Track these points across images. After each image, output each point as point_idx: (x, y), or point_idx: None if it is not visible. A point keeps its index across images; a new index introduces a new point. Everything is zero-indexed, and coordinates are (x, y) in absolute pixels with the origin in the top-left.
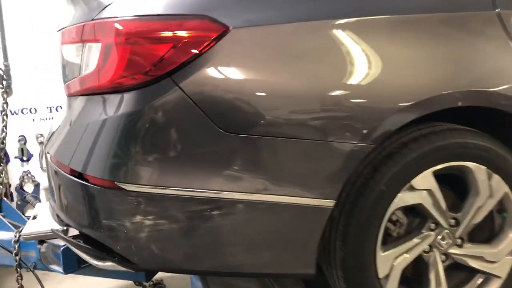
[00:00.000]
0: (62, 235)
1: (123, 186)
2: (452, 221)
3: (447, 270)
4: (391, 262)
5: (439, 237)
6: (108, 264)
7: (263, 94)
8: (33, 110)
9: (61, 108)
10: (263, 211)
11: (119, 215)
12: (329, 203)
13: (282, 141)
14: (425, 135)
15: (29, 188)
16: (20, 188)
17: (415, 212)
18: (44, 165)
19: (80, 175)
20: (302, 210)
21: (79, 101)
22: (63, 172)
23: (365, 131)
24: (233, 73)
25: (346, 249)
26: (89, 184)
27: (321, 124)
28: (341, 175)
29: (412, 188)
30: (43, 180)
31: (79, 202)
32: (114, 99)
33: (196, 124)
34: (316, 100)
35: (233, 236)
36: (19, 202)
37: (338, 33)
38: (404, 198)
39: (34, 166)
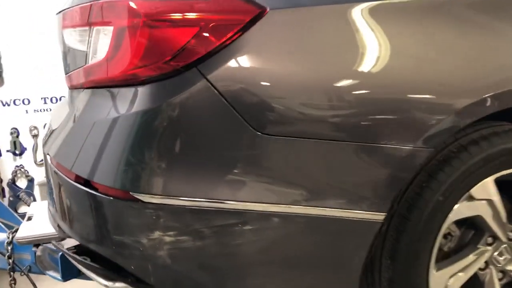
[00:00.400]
0: (66, 250)
1: (140, 197)
2: (511, 234)
3: None
4: (445, 282)
5: (496, 252)
6: (119, 286)
7: (306, 89)
8: (26, 101)
9: (57, 99)
10: (301, 226)
11: (134, 230)
12: (379, 216)
13: (327, 144)
14: (487, 136)
15: (22, 183)
16: (12, 183)
17: (469, 224)
18: (38, 159)
19: (86, 182)
20: (347, 225)
21: (84, 95)
22: (66, 178)
23: (425, 132)
24: (271, 64)
25: (395, 268)
26: (98, 194)
27: (374, 124)
28: (395, 184)
29: (471, 198)
30: (37, 175)
31: (85, 214)
32: (127, 93)
33: (226, 124)
34: (370, 96)
35: (266, 255)
36: (11, 198)
37: (398, 17)
38: (462, 210)
39: (27, 160)
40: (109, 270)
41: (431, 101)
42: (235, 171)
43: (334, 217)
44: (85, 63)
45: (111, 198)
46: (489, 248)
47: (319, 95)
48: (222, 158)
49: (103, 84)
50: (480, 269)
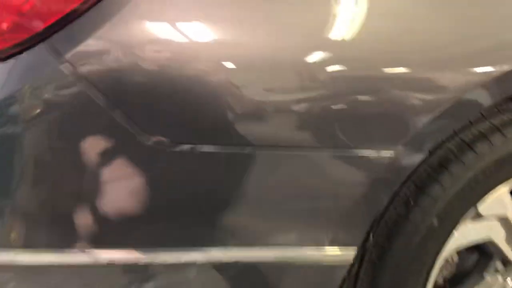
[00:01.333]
0: None
1: None
2: None
3: None
4: None
5: (509, 279)
6: None
7: (230, 67)
8: None
9: None
10: (227, 280)
11: None
12: (348, 253)
13: (265, 155)
14: (500, 128)
15: None
16: None
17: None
18: None
19: None
20: (297, 272)
21: None
22: None
23: (411, 129)
24: (170, 30)
25: None
26: None
27: (336, 118)
28: (371, 207)
29: (478, 216)
30: None
31: None
32: None
33: (97, 127)
34: (326, 74)
35: None
36: None
37: None
38: (466, 234)
39: None
40: None
41: (420, 79)
42: (110, 201)
43: (277, 262)
44: None
45: None
46: (499, 277)
47: (250, 78)
48: (91, 180)
49: None
50: None
